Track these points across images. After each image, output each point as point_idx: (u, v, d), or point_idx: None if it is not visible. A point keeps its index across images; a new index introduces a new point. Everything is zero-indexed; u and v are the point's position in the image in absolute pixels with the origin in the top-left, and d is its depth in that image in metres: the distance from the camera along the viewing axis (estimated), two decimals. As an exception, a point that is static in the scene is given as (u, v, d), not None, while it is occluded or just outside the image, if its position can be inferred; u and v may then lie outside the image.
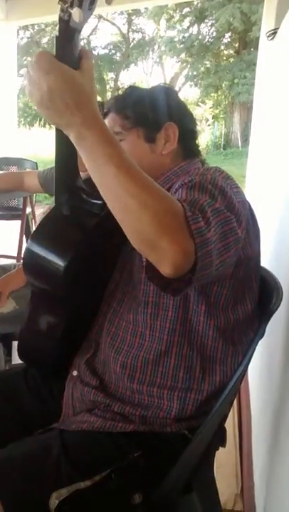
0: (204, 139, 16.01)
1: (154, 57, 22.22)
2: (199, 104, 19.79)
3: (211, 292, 0.95)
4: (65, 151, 0.90)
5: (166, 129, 1.08)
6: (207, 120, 19.01)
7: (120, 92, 1.13)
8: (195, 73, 17.23)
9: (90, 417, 0.99)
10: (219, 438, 1.05)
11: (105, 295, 1.10)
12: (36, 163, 4.10)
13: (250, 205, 0.99)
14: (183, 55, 17.64)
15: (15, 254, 3.32)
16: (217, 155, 14.45)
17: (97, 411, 1.00)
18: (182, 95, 22.44)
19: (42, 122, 16.90)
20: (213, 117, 19.05)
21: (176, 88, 21.66)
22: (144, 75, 23.53)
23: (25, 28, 18.39)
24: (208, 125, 18.32)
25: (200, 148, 1.15)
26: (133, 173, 0.74)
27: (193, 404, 0.97)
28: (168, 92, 1.13)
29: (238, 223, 0.85)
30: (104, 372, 1.05)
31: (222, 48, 17.33)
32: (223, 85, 16.22)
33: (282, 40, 2.09)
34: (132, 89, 1.13)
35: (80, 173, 0.98)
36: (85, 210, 1.00)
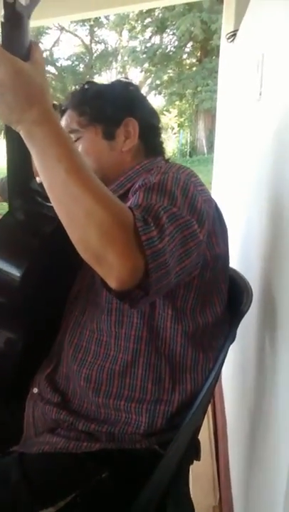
0: (170, 147, 16.15)
1: (117, 67, 22.33)
2: (164, 112, 19.97)
3: (178, 296, 0.89)
4: (17, 151, 0.83)
5: (126, 124, 1.03)
6: (173, 128, 19.20)
7: (78, 87, 1.07)
8: (158, 82, 17.38)
9: (53, 438, 0.91)
10: (193, 451, 1.00)
11: (67, 304, 1.04)
12: None
13: (216, 204, 0.94)
14: (146, 65, 17.78)
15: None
16: (183, 163, 14.40)
17: (60, 430, 0.93)
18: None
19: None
20: (179, 125, 19.25)
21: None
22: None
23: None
24: (174, 133, 18.50)
25: (165, 147, 1.10)
26: (82, 178, 0.68)
27: (164, 417, 0.91)
28: (128, 86, 1.08)
29: (200, 225, 0.80)
30: (67, 387, 0.97)
31: (184, 56, 17.56)
32: (187, 93, 16.41)
33: (242, 41, 2.08)
34: (90, 84, 1.08)
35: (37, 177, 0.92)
36: (41, 214, 0.93)
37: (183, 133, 17.18)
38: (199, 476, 1.65)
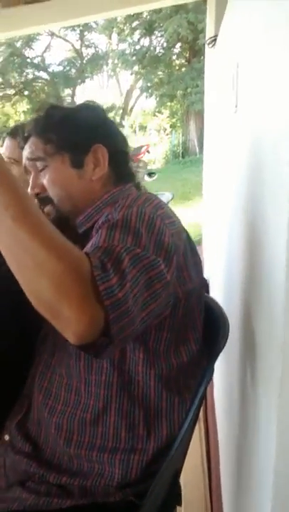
0: (163, 149, 16.07)
1: (108, 70, 22.27)
2: (156, 114, 19.90)
3: (149, 338, 0.83)
4: None
5: (95, 151, 0.96)
6: (165, 130, 19.11)
7: (41, 113, 1.00)
8: (149, 84, 17.28)
9: (22, 493, 0.85)
10: (173, 497, 0.93)
11: (36, 345, 0.97)
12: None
13: (188, 235, 0.88)
14: (136, 67, 17.71)
15: None
16: (176, 164, 14.49)
17: (30, 483, 0.87)
18: (139, 107, 22.60)
19: (1, 141, 16.61)
20: (171, 126, 19.16)
21: (133, 100, 21.81)
22: (100, 88, 23.57)
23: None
24: (167, 134, 18.42)
25: (135, 173, 1.04)
26: (31, 226, 0.62)
27: (138, 467, 0.84)
28: (94, 110, 1.02)
29: (168, 263, 0.74)
30: (39, 435, 0.91)
31: (173, 57, 17.47)
32: (178, 94, 16.33)
33: (220, 47, 2.02)
34: (54, 109, 1.01)
35: None
36: None
37: (175, 134, 17.07)
38: (190, 503, 1.58)
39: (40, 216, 0.64)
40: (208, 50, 3.08)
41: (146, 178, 11.65)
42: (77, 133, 0.96)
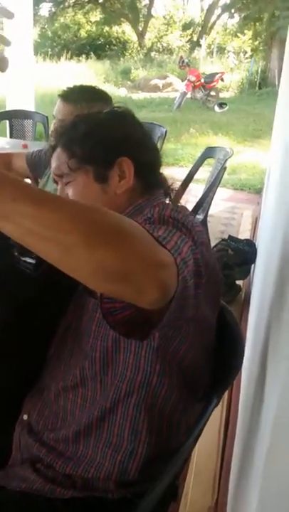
0: (239, 76, 15.07)
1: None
2: (238, 34, 18.45)
3: (167, 350, 0.87)
4: None
5: (120, 164, 0.94)
6: (245, 53, 17.80)
7: (69, 122, 1.00)
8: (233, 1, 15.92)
9: (32, 475, 0.94)
10: (170, 496, 1.00)
11: (55, 339, 1.03)
12: (47, 116, 3.92)
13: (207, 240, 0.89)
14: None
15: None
16: (251, 95, 13.61)
17: (40, 465, 0.95)
18: (220, 24, 20.95)
19: (69, 55, 16.18)
20: (252, 50, 17.80)
21: (214, 17, 20.20)
22: (180, 2, 21.97)
23: None
24: (246, 58, 17.16)
25: (165, 179, 1.01)
26: (54, 204, 0.56)
27: (136, 470, 0.91)
28: (121, 119, 0.99)
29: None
30: (51, 420, 0.99)
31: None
32: (265, 18, 14.90)
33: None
34: (80, 121, 0.99)
35: None
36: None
37: (254, 61, 15.81)
38: (201, 473, 1.68)
39: (55, 195, 0.59)
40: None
41: (217, 108, 11.19)
42: (101, 146, 0.95)
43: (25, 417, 1.03)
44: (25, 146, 2.89)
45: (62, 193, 0.98)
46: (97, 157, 0.94)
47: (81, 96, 1.62)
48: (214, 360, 0.95)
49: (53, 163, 0.99)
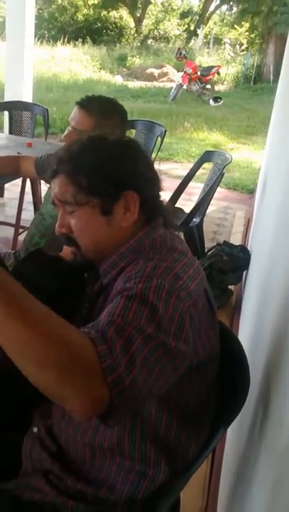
0: (234, 70, 15.03)
1: None
2: (235, 27, 18.34)
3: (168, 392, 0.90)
4: None
5: (126, 197, 0.96)
6: (241, 45, 17.71)
7: (76, 149, 0.99)
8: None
9: (45, 486, 0.98)
10: (172, 508, 1.06)
11: None
12: (47, 109, 3.90)
13: (208, 296, 0.92)
14: None
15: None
16: (246, 89, 13.60)
17: (52, 477, 1.00)
18: (216, 17, 20.77)
19: (66, 39, 15.94)
20: (248, 42, 17.71)
21: (212, 8, 20.03)
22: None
23: None
24: (242, 51, 17.08)
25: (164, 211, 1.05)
26: (25, 320, 0.67)
27: (144, 491, 0.95)
28: (129, 152, 1.00)
29: (178, 337, 0.79)
30: (63, 438, 1.03)
31: None
32: (263, 11, 14.84)
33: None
34: (90, 150, 0.99)
35: None
36: None
37: (250, 55, 15.74)
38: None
39: (34, 307, 0.69)
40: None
41: (212, 102, 11.17)
42: (109, 180, 0.95)
43: (35, 429, 1.06)
44: (29, 145, 2.89)
45: (64, 220, 1.00)
46: (104, 191, 0.95)
47: (97, 107, 1.65)
48: (220, 388, 1.00)
49: (56, 189, 0.99)
